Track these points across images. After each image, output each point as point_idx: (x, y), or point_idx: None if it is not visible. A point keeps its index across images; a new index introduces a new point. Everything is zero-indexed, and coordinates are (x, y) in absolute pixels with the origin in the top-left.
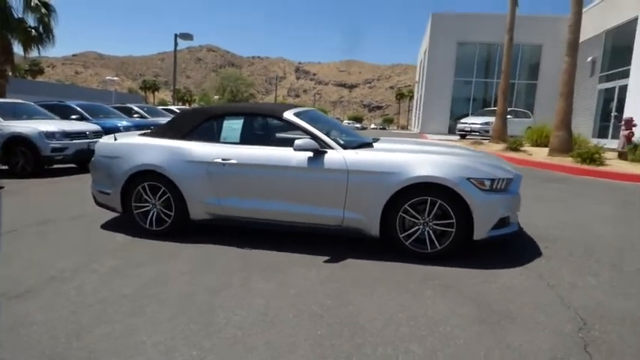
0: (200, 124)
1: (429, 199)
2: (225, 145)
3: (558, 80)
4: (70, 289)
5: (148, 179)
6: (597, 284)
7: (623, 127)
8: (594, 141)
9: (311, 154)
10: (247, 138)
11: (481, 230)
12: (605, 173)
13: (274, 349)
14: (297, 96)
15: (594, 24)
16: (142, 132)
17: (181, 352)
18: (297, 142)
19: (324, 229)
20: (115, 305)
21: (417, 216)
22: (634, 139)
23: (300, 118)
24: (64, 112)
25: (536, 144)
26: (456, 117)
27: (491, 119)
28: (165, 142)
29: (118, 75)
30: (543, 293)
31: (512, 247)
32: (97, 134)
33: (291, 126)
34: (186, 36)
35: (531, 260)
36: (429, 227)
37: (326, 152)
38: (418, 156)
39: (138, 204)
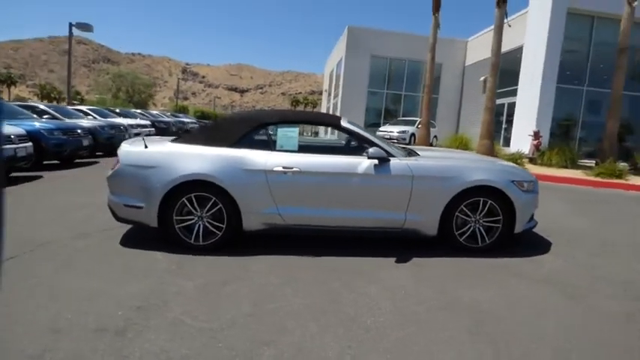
0: (251, 132)
1: (482, 199)
2: (284, 153)
3: (454, 95)
4: (179, 317)
5: (196, 190)
6: (605, 262)
7: (532, 138)
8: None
9: (376, 161)
10: (302, 146)
11: (520, 225)
12: None
13: (448, 343)
14: (186, 98)
15: (486, 48)
16: (172, 138)
17: (375, 357)
18: (370, 150)
19: (384, 232)
20: (250, 326)
21: (470, 214)
22: (541, 147)
23: (354, 127)
24: None
25: None
26: (368, 125)
27: (406, 128)
28: (214, 151)
29: None
30: (581, 272)
31: (525, 238)
32: (22, 139)
33: (349, 134)
34: (85, 27)
35: (549, 248)
36: (479, 224)
37: (389, 160)
38: (471, 163)
39: (180, 217)
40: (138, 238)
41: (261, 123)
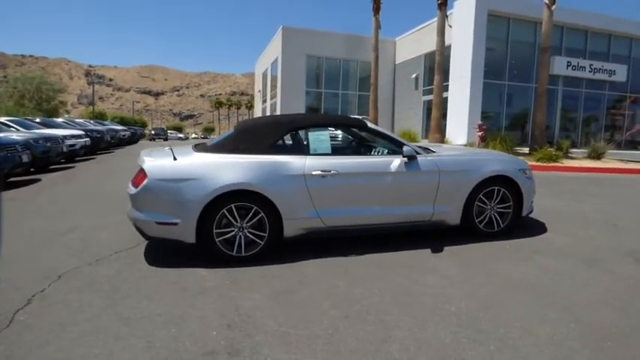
0: (282, 137)
1: (496, 188)
2: (319, 156)
3: (387, 93)
4: (279, 329)
5: (236, 200)
6: (599, 235)
7: (477, 130)
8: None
9: (406, 159)
10: (333, 148)
11: (526, 209)
12: None
13: (534, 317)
14: (91, 104)
15: (414, 47)
16: (194, 147)
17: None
18: (405, 149)
19: (414, 226)
20: (354, 327)
21: (487, 202)
22: (485, 138)
23: (378, 128)
24: None
25: None
26: None
27: None
28: (251, 158)
29: None
30: (586, 245)
31: (522, 220)
32: None
33: (375, 135)
34: None
35: (545, 227)
36: (494, 211)
37: (417, 157)
38: (484, 156)
39: (220, 230)
40: (162, 256)
41: (293, 127)
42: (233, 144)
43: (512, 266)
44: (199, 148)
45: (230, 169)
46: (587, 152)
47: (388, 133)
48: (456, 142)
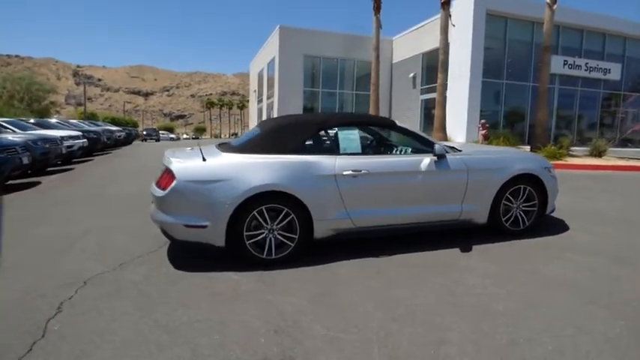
0: (311, 136)
1: (522, 186)
2: (349, 156)
3: (384, 92)
4: (327, 333)
5: (267, 201)
6: (617, 233)
7: (480, 128)
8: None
9: (436, 158)
10: (362, 148)
11: (550, 207)
12: None
13: (583, 314)
14: (80, 104)
15: (412, 46)
16: (219, 147)
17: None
18: (436, 147)
19: (442, 225)
20: (404, 330)
21: (513, 201)
22: (486, 136)
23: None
24: None
25: None
26: None
27: None
28: (281, 159)
29: None
30: (608, 242)
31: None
32: None
33: (405, 134)
34: None
35: (565, 224)
36: (519, 209)
37: (446, 156)
38: (510, 154)
39: (250, 232)
40: (187, 260)
41: (321, 127)
42: (261, 144)
43: (545, 264)
44: (224, 148)
45: (261, 169)
46: (589, 150)
47: (417, 132)
48: (455, 141)
